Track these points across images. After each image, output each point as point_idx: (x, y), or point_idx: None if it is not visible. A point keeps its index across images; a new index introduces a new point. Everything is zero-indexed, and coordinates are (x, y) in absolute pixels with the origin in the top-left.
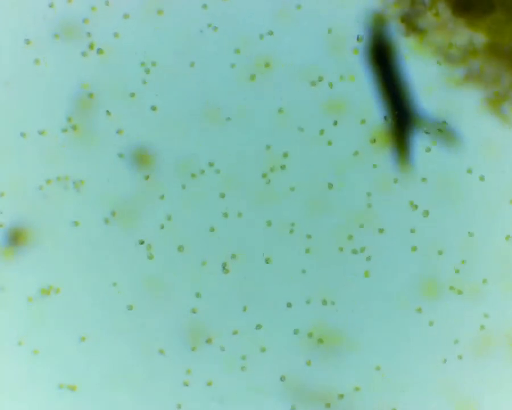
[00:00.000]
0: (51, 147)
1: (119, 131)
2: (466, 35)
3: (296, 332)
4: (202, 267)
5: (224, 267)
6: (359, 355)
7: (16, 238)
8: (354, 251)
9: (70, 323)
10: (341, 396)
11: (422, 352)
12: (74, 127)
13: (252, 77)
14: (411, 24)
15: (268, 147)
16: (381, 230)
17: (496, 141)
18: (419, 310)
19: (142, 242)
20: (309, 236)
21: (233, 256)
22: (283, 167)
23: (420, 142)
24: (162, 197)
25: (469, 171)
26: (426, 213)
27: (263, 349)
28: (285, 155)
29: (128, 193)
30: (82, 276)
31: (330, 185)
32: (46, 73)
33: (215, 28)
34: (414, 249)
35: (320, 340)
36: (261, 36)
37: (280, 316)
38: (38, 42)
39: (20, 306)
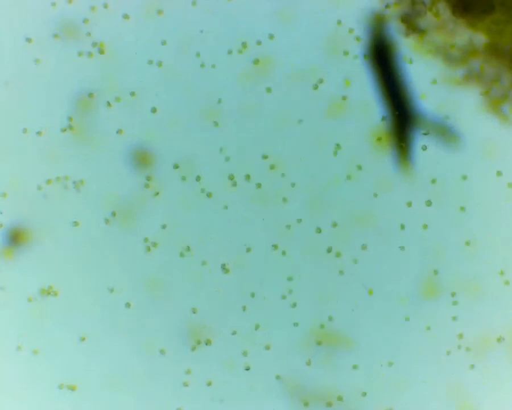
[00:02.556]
0: (51, 147)
1: (119, 131)
2: (466, 35)
3: (296, 332)
4: (202, 267)
5: (224, 267)
6: (358, 355)
7: (16, 238)
8: (355, 251)
9: (70, 323)
10: (341, 396)
11: (422, 352)
12: (74, 127)
13: (253, 78)
14: (411, 24)
15: (268, 147)
16: (381, 231)
17: (496, 141)
18: (419, 310)
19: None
20: (309, 236)
21: (246, 250)
22: (281, 168)
23: (420, 142)
24: (162, 197)
25: (469, 171)
26: (425, 213)
27: (263, 350)
28: (285, 155)
29: (128, 193)
30: (82, 276)
31: (331, 186)
32: (46, 73)
33: (215, 29)
34: (414, 249)
35: (320, 340)
36: (261, 37)
37: (280, 316)
38: (38, 42)
39: (20, 306)
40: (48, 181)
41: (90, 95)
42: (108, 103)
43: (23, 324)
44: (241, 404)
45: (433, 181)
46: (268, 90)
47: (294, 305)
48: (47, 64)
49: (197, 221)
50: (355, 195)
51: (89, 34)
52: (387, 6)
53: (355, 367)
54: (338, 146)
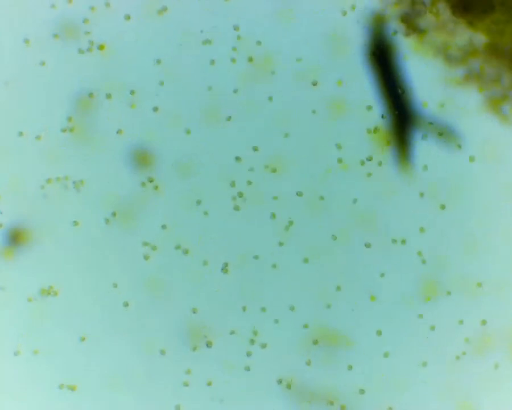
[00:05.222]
0: (51, 147)
1: (119, 131)
2: (466, 35)
3: (296, 332)
4: (203, 267)
5: (224, 267)
6: (358, 355)
7: (16, 238)
8: (355, 252)
9: (70, 323)
10: (341, 396)
11: (422, 352)
12: (74, 127)
13: (253, 78)
14: (411, 24)
15: (268, 147)
16: (380, 231)
17: (496, 141)
18: (419, 311)
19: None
20: (309, 236)
21: (246, 251)
22: (281, 167)
23: (419, 142)
24: (162, 197)
25: (469, 171)
26: (425, 213)
27: (263, 350)
28: (285, 155)
29: (128, 193)
30: (82, 276)
31: (331, 187)
32: (46, 73)
33: (215, 29)
34: (414, 248)
35: (320, 340)
36: (261, 37)
37: (280, 316)
38: (38, 42)
39: (20, 306)
40: (48, 181)
41: (90, 95)
42: (109, 95)
43: (23, 324)
44: (241, 404)
45: (433, 181)
46: (269, 90)
47: (294, 305)
48: (47, 64)
49: (197, 221)
50: (356, 195)
51: (88, 34)
52: (387, 6)
53: (354, 367)
54: (338, 145)
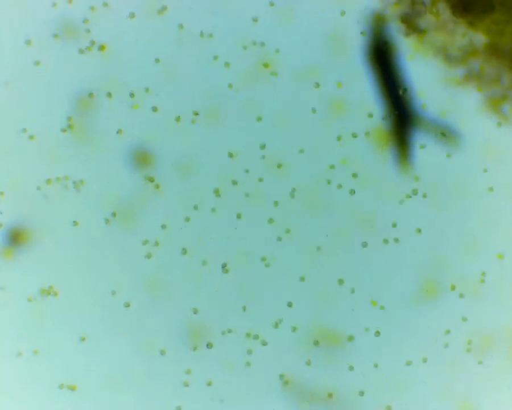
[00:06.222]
0: (51, 147)
1: (119, 131)
2: (466, 35)
3: (296, 332)
4: (202, 267)
5: (224, 267)
6: (358, 354)
7: (16, 238)
8: (355, 252)
9: (70, 323)
10: (341, 396)
11: (422, 351)
12: (74, 127)
13: (253, 78)
14: (411, 24)
15: (268, 146)
16: (380, 231)
17: (496, 141)
18: (419, 311)
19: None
20: (309, 237)
21: (246, 250)
22: (281, 167)
23: (419, 142)
24: (162, 197)
25: (469, 171)
26: (425, 213)
27: (263, 350)
28: (284, 155)
29: (128, 193)
30: (82, 276)
31: (331, 187)
32: (46, 73)
33: (215, 29)
34: (413, 248)
35: (320, 340)
36: (261, 37)
37: (280, 316)
38: (38, 42)
39: (20, 306)
40: (48, 181)
41: (90, 95)
42: (109, 95)
43: (23, 324)
44: (241, 404)
45: (433, 181)
46: (269, 90)
47: (294, 305)
48: (47, 64)
49: (197, 221)
50: (355, 195)
51: (89, 34)
52: (387, 6)
53: (354, 367)
54: (338, 145)
